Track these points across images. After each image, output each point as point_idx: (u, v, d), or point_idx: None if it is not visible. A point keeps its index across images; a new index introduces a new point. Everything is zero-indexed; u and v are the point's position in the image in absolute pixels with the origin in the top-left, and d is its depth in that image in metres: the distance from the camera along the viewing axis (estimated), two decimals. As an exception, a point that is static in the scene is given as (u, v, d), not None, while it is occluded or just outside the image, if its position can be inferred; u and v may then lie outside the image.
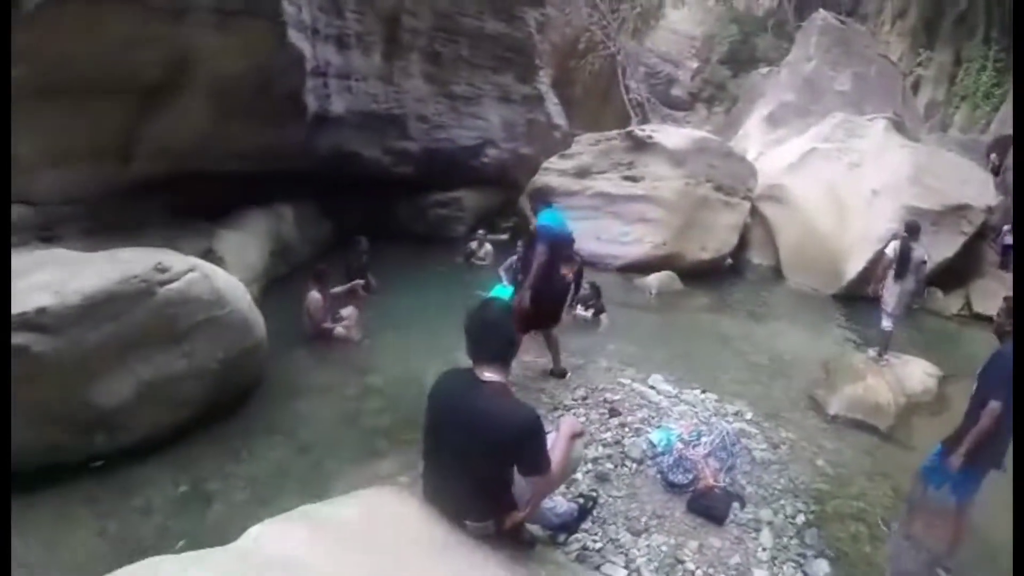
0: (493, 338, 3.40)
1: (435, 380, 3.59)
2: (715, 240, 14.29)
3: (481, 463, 3.30)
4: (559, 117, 17.89)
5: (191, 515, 5.04)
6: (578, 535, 4.43)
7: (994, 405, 4.27)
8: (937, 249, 13.21)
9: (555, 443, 3.57)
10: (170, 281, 5.61)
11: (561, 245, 6.78)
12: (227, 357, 6.09)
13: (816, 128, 17.45)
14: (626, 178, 14.46)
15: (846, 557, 4.79)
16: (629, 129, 15.98)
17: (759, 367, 8.29)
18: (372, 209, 13.07)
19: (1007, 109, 18.22)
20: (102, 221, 7.90)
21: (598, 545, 4.40)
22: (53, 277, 5.26)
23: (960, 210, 13.97)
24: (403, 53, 12.55)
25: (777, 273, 14.76)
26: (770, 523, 4.92)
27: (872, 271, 10.23)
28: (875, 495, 5.69)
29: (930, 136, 21.05)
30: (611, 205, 14.25)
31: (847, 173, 15.07)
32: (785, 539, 4.80)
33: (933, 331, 12.12)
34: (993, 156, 18.61)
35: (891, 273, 8.57)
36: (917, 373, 8.46)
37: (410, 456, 5.18)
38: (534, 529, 4.13)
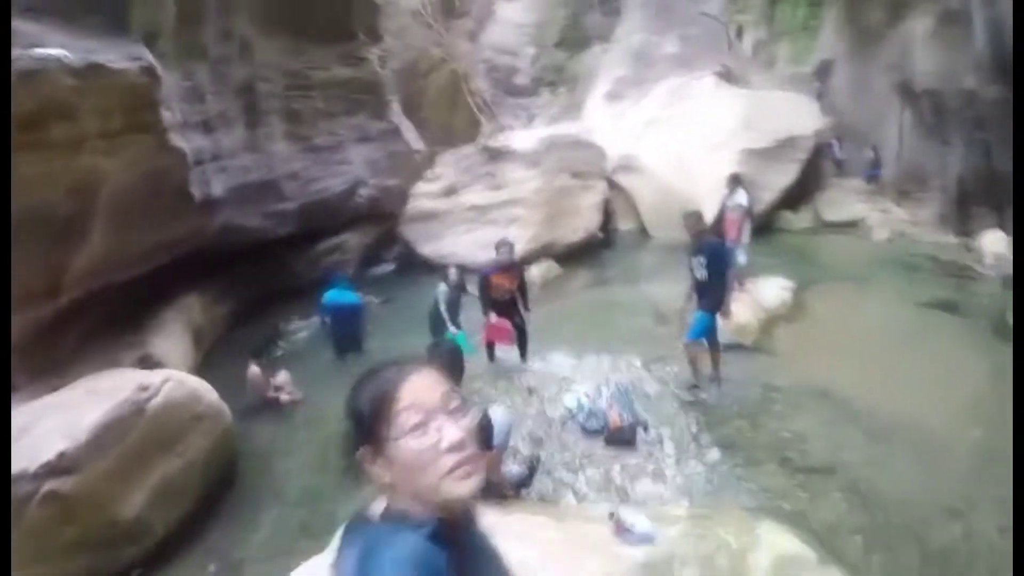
0: None
1: None
2: (582, 220, 16.10)
3: None
4: (416, 142, 18.93)
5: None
6: (535, 485, 6.02)
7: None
8: (778, 178, 15.63)
9: None
10: (154, 395, 6.55)
11: (341, 314, 10.05)
12: (212, 445, 7.13)
13: (651, 97, 19.65)
14: (491, 188, 16.15)
15: (733, 445, 6.50)
16: (484, 144, 17.64)
17: (639, 321, 9.88)
18: (268, 274, 13.82)
19: (825, 37, 20.67)
20: (40, 361, 8.38)
21: (551, 488, 6.02)
22: (56, 422, 6.04)
23: (792, 141, 16.33)
24: (263, 119, 13.37)
25: (643, 234, 16.73)
26: (671, 436, 6.66)
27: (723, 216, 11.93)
28: (750, 395, 7.49)
29: (758, 77, 23.46)
30: (485, 215, 15.80)
31: (687, 132, 17.24)
32: (685, 444, 6.55)
33: (788, 247, 14.36)
34: (816, 84, 21.13)
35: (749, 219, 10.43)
36: (772, 290, 10.36)
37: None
38: (504, 488, 5.65)
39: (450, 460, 1.27)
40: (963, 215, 13.40)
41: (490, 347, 8.56)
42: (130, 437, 6.20)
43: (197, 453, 6.90)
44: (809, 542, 4.52)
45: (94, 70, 7.81)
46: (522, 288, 8.41)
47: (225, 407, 7.47)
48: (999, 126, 11.67)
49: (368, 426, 1.33)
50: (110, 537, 5.96)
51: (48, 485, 5.46)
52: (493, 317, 8.16)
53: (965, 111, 12.35)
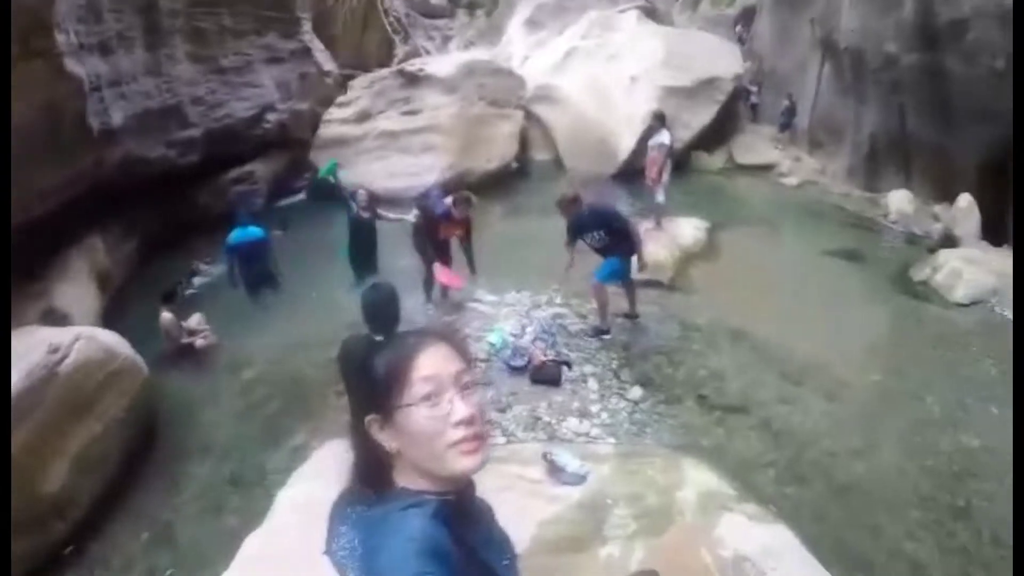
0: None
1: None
2: (498, 150, 16.02)
3: None
4: (328, 63, 18.30)
5: (165, 550, 5.67)
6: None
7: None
8: (696, 118, 15.94)
9: None
10: (65, 356, 6.13)
11: (248, 252, 9.23)
12: (130, 403, 6.79)
13: (574, 27, 19.63)
14: (405, 113, 15.81)
15: (653, 382, 6.76)
16: (400, 67, 17.18)
17: (558, 258, 9.99)
18: (173, 208, 13.15)
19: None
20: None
21: (477, 428, 6.10)
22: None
23: (711, 82, 16.58)
24: (166, 39, 12.53)
25: (558, 164, 16.76)
26: (594, 374, 6.86)
27: (641, 152, 12.16)
28: (667, 333, 7.78)
29: (681, 16, 23.62)
30: (397, 142, 15.47)
31: (607, 65, 17.32)
32: (607, 381, 6.76)
33: (702, 188, 14.66)
34: (738, 28, 21.48)
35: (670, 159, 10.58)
36: (688, 230, 10.68)
37: (318, 423, 6.56)
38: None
39: (458, 433, 1.28)
40: (871, 171, 13.92)
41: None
42: (44, 404, 5.84)
43: (116, 413, 6.59)
44: (726, 478, 4.77)
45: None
46: (468, 236, 8.57)
47: (140, 360, 7.15)
48: (916, 91, 12.17)
49: (383, 391, 1.32)
50: (36, 515, 5.61)
51: (-29, 467, 5.06)
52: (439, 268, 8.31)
53: (884, 73, 12.73)
